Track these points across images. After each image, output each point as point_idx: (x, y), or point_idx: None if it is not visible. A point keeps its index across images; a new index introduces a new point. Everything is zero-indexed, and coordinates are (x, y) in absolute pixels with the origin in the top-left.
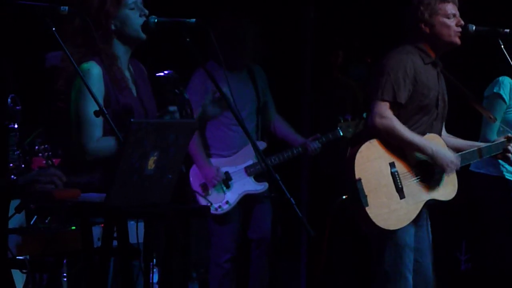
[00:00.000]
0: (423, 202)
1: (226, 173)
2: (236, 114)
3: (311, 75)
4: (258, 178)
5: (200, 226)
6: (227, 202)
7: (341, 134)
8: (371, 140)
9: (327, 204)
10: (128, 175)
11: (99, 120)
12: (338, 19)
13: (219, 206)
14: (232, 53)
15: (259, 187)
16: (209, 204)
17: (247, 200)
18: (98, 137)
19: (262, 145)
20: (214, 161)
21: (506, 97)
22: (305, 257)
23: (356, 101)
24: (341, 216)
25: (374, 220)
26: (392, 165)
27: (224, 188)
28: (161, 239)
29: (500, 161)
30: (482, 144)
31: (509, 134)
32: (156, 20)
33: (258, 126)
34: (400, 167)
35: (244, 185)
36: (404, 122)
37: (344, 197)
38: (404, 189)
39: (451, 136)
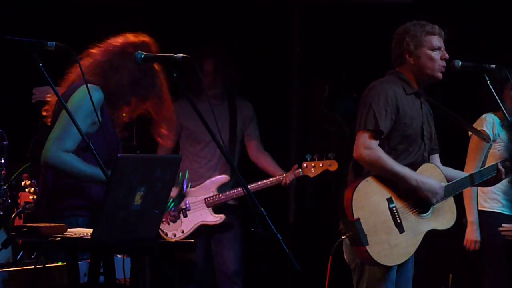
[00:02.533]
0: (423, 234)
1: (185, 203)
2: (220, 146)
3: (298, 109)
4: (216, 210)
5: (184, 259)
6: (182, 231)
7: (302, 174)
8: (367, 178)
9: (319, 242)
10: (115, 210)
11: (77, 136)
12: (325, 53)
13: (173, 235)
14: (215, 83)
15: (215, 218)
16: (164, 233)
17: (210, 230)
18: (67, 149)
19: (223, 179)
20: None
21: (490, 134)
22: None
23: (343, 136)
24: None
25: (375, 258)
26: (389, 200)
27: (182, 217)
28: (147, 274)
29: (494, 195)
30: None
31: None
32: (143, 56)
33: (231, 159)
34: (398, 201)
35: (201, 215)
36: (389, 152)
37: (343, 237)
38: (403, 223)
39: (448, 168)
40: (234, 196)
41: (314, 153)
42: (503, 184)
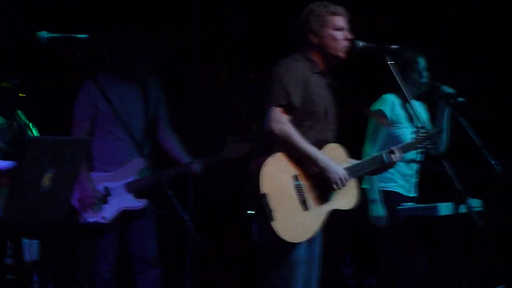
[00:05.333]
0: (325, 213)
1: (106, 188)
2: (128, 129)
3: (196, 91)
4: (138, 194)
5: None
6: (103, 218)
7: (226, 155)
8: (275, 154)
9: (229, 219)
10: (24, 192)
11: None
12: (223, 33)
13: (96, 221)
14: (123, 64)
15: (138, 203)
16: (86, 219)
17: (125, 215)
18: None
19: (142, 162)
20: (95, 175)
21: (388, 113)
22: (190, 275)
23: (241, 116)
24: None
25: (280, 233)
26: (295, 178)
27: (102, 203)
28: (55, 256)
29: (389, 174)
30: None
31: (392, 148)
32: (47, 36)
33: (145, 141)
34: (304, 179)
35: (123, 201)
36: (296, 127)
37: (249, 212)
38: (307, 201)
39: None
40: (156, 181)
41: (211, 135)
42: (398, 164)
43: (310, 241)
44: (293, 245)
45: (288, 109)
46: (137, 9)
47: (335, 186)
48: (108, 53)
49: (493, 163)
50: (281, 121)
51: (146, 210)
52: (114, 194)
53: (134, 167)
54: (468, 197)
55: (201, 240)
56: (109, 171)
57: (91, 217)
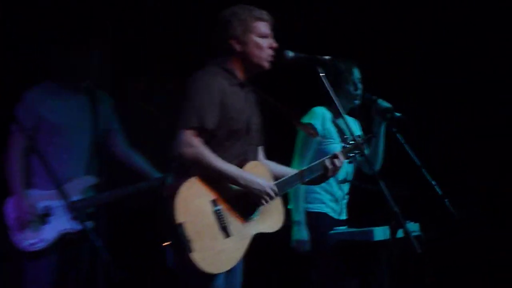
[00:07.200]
0: (249, 238)
1: (46, 207)
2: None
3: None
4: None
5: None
6: (42, 240)
7: None
8: (190, 179)
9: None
10: None
11: None
12: (140, 41)
13: (34, 243)
14: (73, 72)
15: (79, 226)
16: (23, 241)
17: (67, 239)
18: None
19: (91, 180)
20: (35, 192)
21: (319, 128)
22: None
23: (160, 131)
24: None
25: (200, 265)
26: (214, 202)
27: (42, 224)
28: None
29: (318, 195)
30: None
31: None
32: None
33: (93, 157)
34: (223, 203)
35: (65, 222)
36: (215, 150)
37: (164, 244)
38: (228, 227)
39: (273, 162)
40: (103, 201)
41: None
42: (326, 182)
43: (230, 269)
44: (212, 275)
45: (201, 131)
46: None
47: (263, 200)
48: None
49: (433, 183)
50: (192, 144)
51: (89, 234)
52: (55, 214)
53: (80, 185)
54: (406, 221)
55: (116, 268)
56: (50, 189)
57: (29, 239)
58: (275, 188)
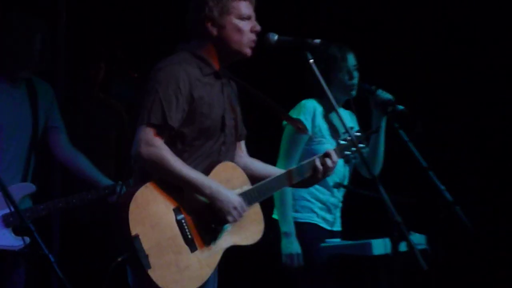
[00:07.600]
0: (220, 252)
1: None
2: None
3: (65, 93)
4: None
5: None
6: None
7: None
8: (146, 184)
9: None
10: None
11: None
12: (99, 24)
13: None
14: (9, 59)
15: (17, 242)
16: None
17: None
18: None
19: (30, 188)
20: None
21: (309, 124)
22: None
23: (122, 126)
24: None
25: (160, 284)
26: (177, 211)
27: None
28: None
29: (306, 202)
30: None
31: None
32: None
33: (31, 160)
34: (188, 212)
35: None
36: (182, 150)
37: (119, 259)
38: (196, 239)
39: (256, 160)
40: (44, 213)
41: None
42: (316, 188)
43: (201, 286)
44: None
45: (164, 129)
46: None
47: (229, 218)
48: None
49: (442, 188)
50: (152, 144)
51: (24, 253)
52: None
53: (16, 194)
54: (410, 232)
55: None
56: None
57: None
58: (244, 206)
